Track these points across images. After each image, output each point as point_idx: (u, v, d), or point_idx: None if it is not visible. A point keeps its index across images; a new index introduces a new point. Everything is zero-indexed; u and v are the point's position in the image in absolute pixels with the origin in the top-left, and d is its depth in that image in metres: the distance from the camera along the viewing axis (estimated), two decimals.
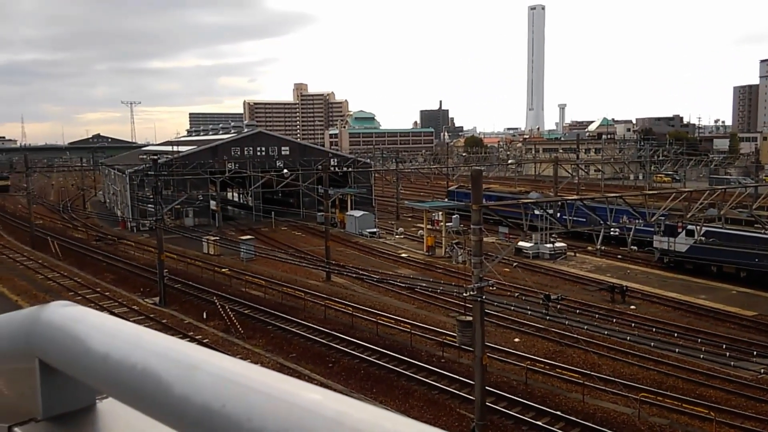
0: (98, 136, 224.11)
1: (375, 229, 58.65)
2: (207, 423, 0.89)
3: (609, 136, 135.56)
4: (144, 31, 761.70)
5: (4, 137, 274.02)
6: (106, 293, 38.42)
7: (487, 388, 20.54)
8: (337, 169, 72.12)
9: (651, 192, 41.10)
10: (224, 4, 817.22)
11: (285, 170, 65.69)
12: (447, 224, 52.59)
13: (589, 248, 49.20)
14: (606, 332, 29.58)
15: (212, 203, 68.87)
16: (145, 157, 73.54)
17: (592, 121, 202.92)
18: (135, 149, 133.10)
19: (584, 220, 38.16)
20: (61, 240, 55.26)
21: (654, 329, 30.10)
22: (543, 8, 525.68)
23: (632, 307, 34.44)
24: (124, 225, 66.93)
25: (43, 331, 1.35)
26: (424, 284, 38.94)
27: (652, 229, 43.21)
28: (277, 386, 0.88)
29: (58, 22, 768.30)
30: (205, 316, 33.19)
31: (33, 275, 43.97)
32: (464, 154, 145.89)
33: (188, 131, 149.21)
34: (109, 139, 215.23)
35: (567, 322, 29.16)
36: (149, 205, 58.83)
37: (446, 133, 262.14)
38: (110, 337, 1.20)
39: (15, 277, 42.84)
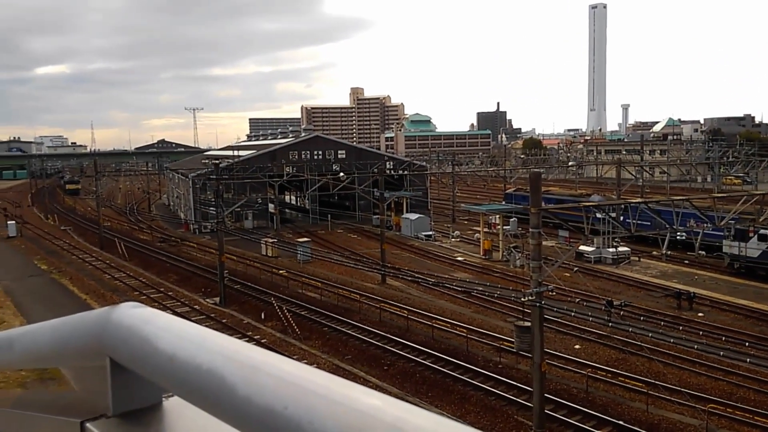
0: (163, 141, 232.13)
1: (431, 232, 58.48)
2: (269, 424, 0.90)
3: (675, 137, 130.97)
4: (206, 40, 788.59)
5: (75, 143, 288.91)
6: (170, 293, 39.69)
7: (546, 395, 20.13)
8: (392, 172, 72.35)
9: (720, 195, 39.43)
10: (282, 11, 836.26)
11: (341, 173, 66.32)
12: (504, 227, 51.92)
13: (654, 253, 47.57)
14: (672, 340, 28.54)
15: (270, 206, 70.31)
16: (207, 161, 75.86)
17: (657, 122, 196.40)
18: (198, 154, 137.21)
19: (649, 223, 36.92)
20: (127, 241, 57.54)
21: (723, 338, 28.85)
22: (605, 6, 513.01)
23: (700, 314, 33.09)
24: (187, 227, 69.12)
25: (114, 331, 1.39)
26: (480, 288, 38.53)
27: (722, 234, 41.41)
28: (337, 390, 0.89)
29: (125, 32, 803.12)
30: (263, 317, 33.85)
31: (101, 275, 45.87)
32: (522, 156, 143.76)
33: (248, 136, 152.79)
34: (174, 144, 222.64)
35: (630, 329, 28.25)
36: (211, 208, 60.68)
37: (503, 135, 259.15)
38: (177, 337, 1.22)
39: (84, 277, 44.80)
